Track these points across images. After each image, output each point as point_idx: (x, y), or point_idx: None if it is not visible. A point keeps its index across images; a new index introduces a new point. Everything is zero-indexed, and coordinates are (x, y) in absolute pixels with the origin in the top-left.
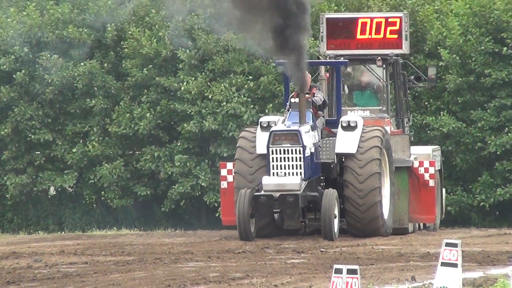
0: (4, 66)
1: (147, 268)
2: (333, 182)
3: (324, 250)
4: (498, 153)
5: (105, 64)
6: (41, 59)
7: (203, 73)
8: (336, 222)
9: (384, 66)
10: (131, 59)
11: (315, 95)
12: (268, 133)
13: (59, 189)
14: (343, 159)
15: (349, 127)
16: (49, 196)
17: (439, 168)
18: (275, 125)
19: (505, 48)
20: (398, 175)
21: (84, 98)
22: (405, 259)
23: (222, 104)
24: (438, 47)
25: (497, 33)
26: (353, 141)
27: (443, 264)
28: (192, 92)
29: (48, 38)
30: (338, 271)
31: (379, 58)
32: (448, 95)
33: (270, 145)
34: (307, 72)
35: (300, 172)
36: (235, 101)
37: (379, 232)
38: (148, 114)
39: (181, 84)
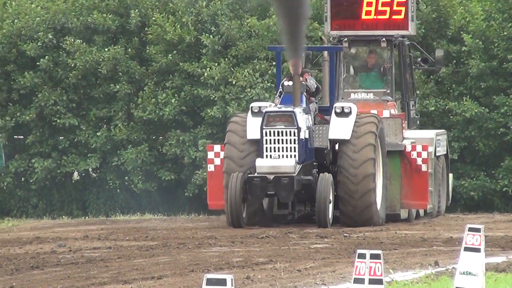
0: (29, 52)
1: (171, 253)
2: (326, 169)
3: (347, 235)
4: None
5: (129, 50)
6: (65, 45)
7: (226, 59)
8: (331, 208)
9: (389, 47)
10: (155, 45)
11: (308, 80)
12: (258, 118)
13: (83, 174)
14: (336, 146)
15: (343, 113)
16: (73, 181)
17: (445, 153)
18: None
19: None
20: (390, 159)
21: (108, 83)
22: (428, 244)
23: (246, 90)
24: (461, 32)
25: None
26: (347, 127)
27: (466, 249)
28: (216, 77)
29: (72, 24)
30: (362, 256)
31: (384, 39)
32: (471, 80)
33: (264, 127)
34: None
35: (295, 155)
36: (259, 87)
37: (372, 220)
38: (173, 100)
39: (204, 70)
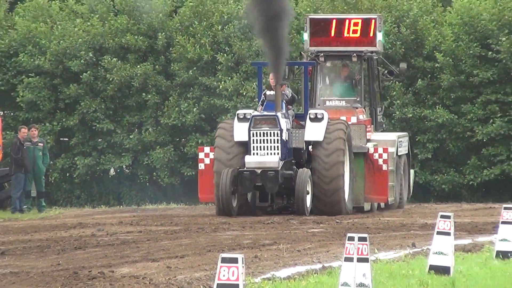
0: (73, 68)
1: (192, 236)
2: (301, 166)
3: (339, 221)
4: (484, 140)
5: (157, 66)
6: (103, 62)
7: (238, 74)
8: (308, 198)
9: (359, 61)
10: (178, 62)
11: (285, 91)
12: (244, 123)
13: (118, 170)
14: (310, 148)
15: (316, 119)
16: (110, 176)
17: (406, 152)
18: (250, 116)
19: (490, 52)
20: (355, 160)
21: (140, 94)
22: (406, 229)
23: (254, 100)
24: (435, 51)
25: (483, 40)
26: (320, 131)
27: (438, 232)
28: (229, 89)
29: (109, 44)
30: (351, 238)
31: (355, 54)
32: (442, 92)
33: (251, 129)
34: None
35: (278, 152)
36: None
37: (340, 205)
38: (194, 109)
39: (219, 83)
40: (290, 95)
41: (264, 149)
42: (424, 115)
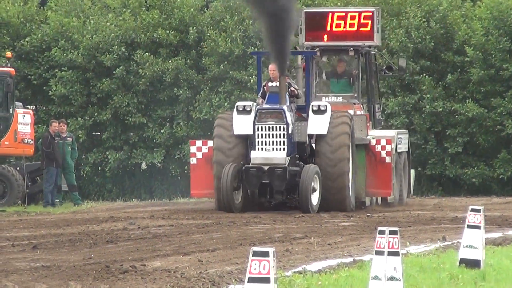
0: (106, 62)
1: (223, 230)
2: (305, 161)
3: (369, 215)
4: None
5: (188, 61)
6: (136, 57)
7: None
8: (315, 195)
9: (356, 56)
10: (210, 56)
11: (288, 82)
12: (243, 116)
13: (150, 164)
14: (312, 141)
15: (319, 111)
16: (141, 170)
17: (406, 150)
18: (250, 108)
19: None
20: (356, 153)
21: (171, 88)
22: (437, 222)
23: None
24: (465, 46)
25: None
26: (324, 124)
27: (468, 226)
28: None
29: (140, 39)
30: (382, 232)
31: (352, 49)
32: (472, 86)
33: (257, 123)
34: (273, 64)
35: (284, 148)
36: None
37: (345, 210)
38: (226, 103)
39: (250, 77)
40: (298, 89)
41: (270, 144)
42: (454, 109)
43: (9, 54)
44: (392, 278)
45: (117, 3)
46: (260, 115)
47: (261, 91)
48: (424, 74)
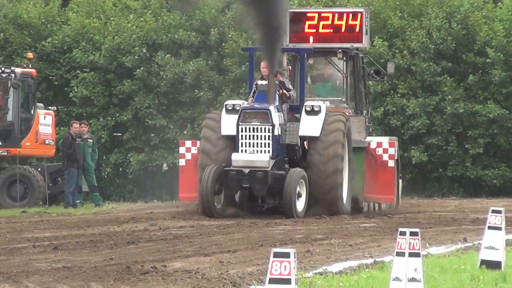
0: (127, 64)
1: (244, 231)
2: (296, 164)
3: (390, 216)
4: None
5: (209, 62)
6: (157, 58)
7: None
8: (301, 200)
9: (344, 58)
10: (231, 57)
11: (281, 80)
12: (232, 116)
13: (171, 165)
14: (305, 143)
15: (312, 112)
16: (163, 171)
17: (396, 158)
18: (240, 108)
19: None
20: (354, 156)
21: (192, 89)
22: (458, 223)
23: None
24: (486, 47)
25: None
26: (317, 125)
27: (489, 227)
28: None
29: (162, 40)
30: (402, 233)
31: (340, 51)
32: (494, 87)
33: (240, 123)
34: (265, 61)
35: (269, 150)
36: None
37: (337, 204)
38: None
39: None
40: (291, 90)
41: (253, 146)
42: (475, 110)
43: (30, 55)
44: (412, 279)
45: (138, 4)
46: (244, 115)
47: (252, 90)
48: (445, 75)
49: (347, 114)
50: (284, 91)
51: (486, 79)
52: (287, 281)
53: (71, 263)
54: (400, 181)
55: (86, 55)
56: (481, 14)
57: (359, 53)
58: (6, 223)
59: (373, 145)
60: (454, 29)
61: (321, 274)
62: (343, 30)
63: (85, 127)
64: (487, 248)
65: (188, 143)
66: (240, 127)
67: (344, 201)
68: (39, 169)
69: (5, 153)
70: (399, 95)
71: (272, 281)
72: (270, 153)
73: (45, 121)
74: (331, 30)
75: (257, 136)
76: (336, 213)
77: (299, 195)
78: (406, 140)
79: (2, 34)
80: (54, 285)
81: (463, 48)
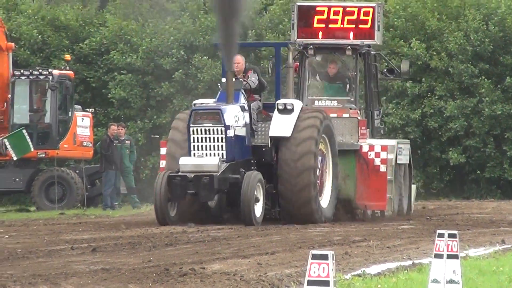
0: (165, 66)
1: (282, 233)
2: (267, 166)
3: (428, 217)
4: None
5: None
6: (194, 60)
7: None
8: (258, 206)
9: (354, 56)
10: (268, 59)
11: (250, 77)
12: None
13: None
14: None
15: (285, 110)
16: None
17: (407, 162)
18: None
19: None
20: (345, 159)
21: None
22: (496, 225)
23: None
24: None
25: None
26: (288, 125)
27: None
28: None
29: (199, 42)
30: (441, 235)
31: (349, 47)
32: None
33: (191, 125)
34: (239, 55)
35: (222, 153)
36: None
37: (312, 217)
38: None
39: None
40: (257, 82)
41: (205, 149)
42: None
43: (68, 57)
44: (451, 281)
45: (175, 6)
46: (195, 116)
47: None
48: (482, 77)
49: (354, 115)
50: (246, 81)
51: None
52: (326, 283)
53: (109, 265)
54: (414, 186)
55: (123, 57)
56: None
57: (371, 50)
58: (45, 225)
59: (365, 149)
60: (492, 31)
61: (359, 276)
62: (353, 25)
63: (122, 129)
64: None
65: None
66: (191, 129)
67: (325, 205)
68: (77, 171)
69: (43, 155)
70: (436, 97)
71: (311, 283)
72: (223, 156)
73: (83, 123)
74: (341, 26)
75: (208, 138)
76: (310, 215)
77: (257, 200)
78: (444, 142)
79: (40, 36)
80: (92, 287)
81: (500, 50)
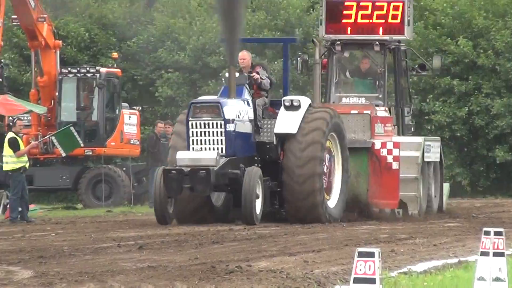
0: (212, 64)
1: (328, 231)
2: (273, 164)
3: (475, 215)
4: None
5: (294, 62)
6: None
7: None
8: (258, 203)
9: (382, 52)
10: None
11: (260, 74)
12: None
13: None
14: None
15: (292, 107)
16: None
17: (437, 160)
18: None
19: None
20: (357, 157)
21: (277, 90)
22: None
23: None
24: None
25: None
26: (295, 121)
27: None
28: None
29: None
30: (487, 233)
31: (378, 43)
32: None
33: (190, 118)
34: (246, 51)
35: (221, 148)
36: None
37: (320, 221)
38: None
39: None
40: (265, 78)
41: (204, 143)
42: None
43: (115, 55)
44: (497, 279)
45: None
46: (195, 109)
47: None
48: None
49: (383, 112)
50: (256, 76)
51: None
52: (372, 281)
53: (155, 263)
54: (446, 184)
55: (171, 55)
56: None
57: (401, 46)
58: (91, 222)
59: (377, 146)
60: None
61: (405, 273)
62: (383, 21)
63: (169, 126)
64: None
65: None
66: (190, 122)
67: (333, 205)
68: (124, 168)
69: (90, 153)
70: (483, 95)
71: (357, 280)
72: (222, 151)
73: (130, 120)
74: (370, 21)
75: (207, 132)
76: (317, 220)
77: (257, 197)
78: (490, 140)
79: (87, 34)
80: (139, 284)
81: None
